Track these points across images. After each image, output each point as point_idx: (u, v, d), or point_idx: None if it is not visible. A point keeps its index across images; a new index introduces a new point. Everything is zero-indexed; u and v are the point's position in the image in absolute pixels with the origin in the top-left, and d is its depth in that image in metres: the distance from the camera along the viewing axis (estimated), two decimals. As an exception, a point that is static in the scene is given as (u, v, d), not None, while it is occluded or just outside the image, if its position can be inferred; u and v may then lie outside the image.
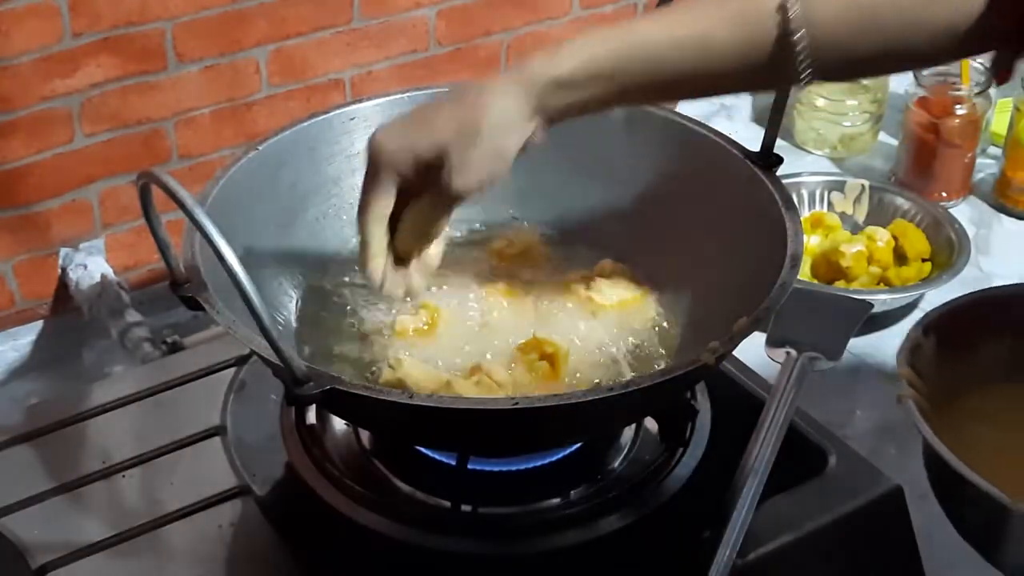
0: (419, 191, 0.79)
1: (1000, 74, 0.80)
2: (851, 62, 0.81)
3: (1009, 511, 0.75)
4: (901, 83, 1.55)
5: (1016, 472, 0.82)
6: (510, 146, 0.77)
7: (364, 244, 0.82)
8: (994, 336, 0.92)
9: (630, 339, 0.99)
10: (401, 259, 0.83)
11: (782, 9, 0.78)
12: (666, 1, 0.99)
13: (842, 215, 1.40)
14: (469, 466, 0.93)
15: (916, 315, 1.31)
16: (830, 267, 1.31)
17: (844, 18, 0.78)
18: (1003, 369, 0.92)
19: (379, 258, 0.81)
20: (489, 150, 0.76)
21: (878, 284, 1.31)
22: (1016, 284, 1.12)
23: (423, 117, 0.78)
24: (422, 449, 0.96)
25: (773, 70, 0.80)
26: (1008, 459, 0.85)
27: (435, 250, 0.84)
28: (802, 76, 0.79)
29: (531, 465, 0.94)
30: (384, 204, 0.79)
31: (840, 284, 1.30)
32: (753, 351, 1.01)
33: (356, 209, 1.04)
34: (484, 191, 0.79)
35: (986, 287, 1.12)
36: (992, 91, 1.49)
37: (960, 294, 0.95)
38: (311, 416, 0.99)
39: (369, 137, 0.80)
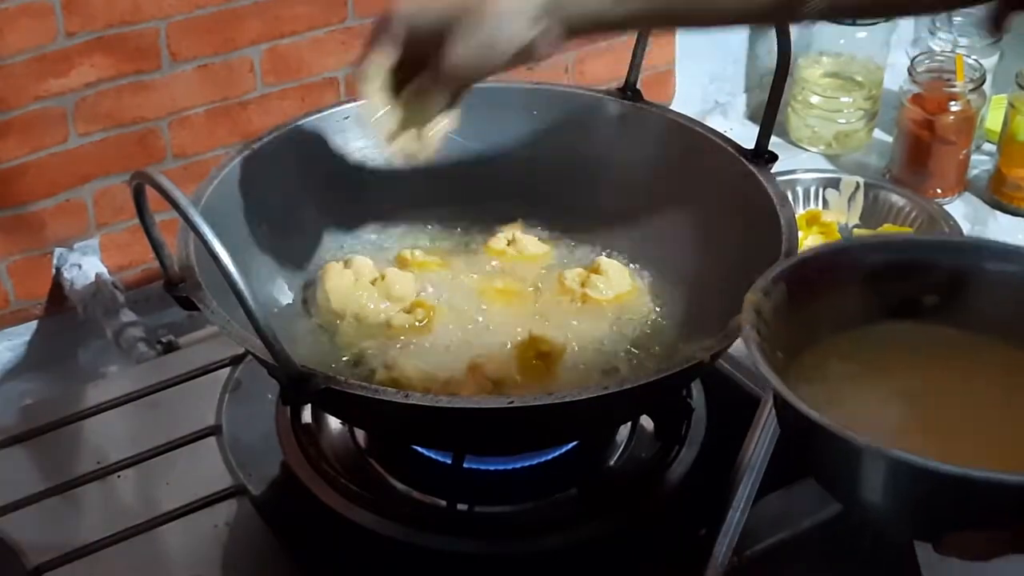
0: (422, 66, 0.77)
1: (994, 27, 0.77)
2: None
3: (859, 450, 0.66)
4: (896, 80, 1.55)
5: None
6: (509, 39, 0.73)
7: (363, 77, 0.79)
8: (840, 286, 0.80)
9: (626, 337, 0.99)
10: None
11: None
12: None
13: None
14: (465, 465, 0.93)
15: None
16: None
17: None
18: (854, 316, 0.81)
19: (374, 85, 0.78)
20: (486, 38, 0.73)
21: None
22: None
23: None
24: (418, 448, 0.96)
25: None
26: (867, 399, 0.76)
27: (436, 131, 0.81)
28: (808, 8, 0.75)
29: (527, 464, 0.94)
30: (385, 54, 0.77)
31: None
32: (749, 348, 1.01)
33: (351, 208, 1.04)
34: (473, 80, 0.75)
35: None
36: (987, 87, 1.50)
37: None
38: (307, 415, 0.99)
39: None
